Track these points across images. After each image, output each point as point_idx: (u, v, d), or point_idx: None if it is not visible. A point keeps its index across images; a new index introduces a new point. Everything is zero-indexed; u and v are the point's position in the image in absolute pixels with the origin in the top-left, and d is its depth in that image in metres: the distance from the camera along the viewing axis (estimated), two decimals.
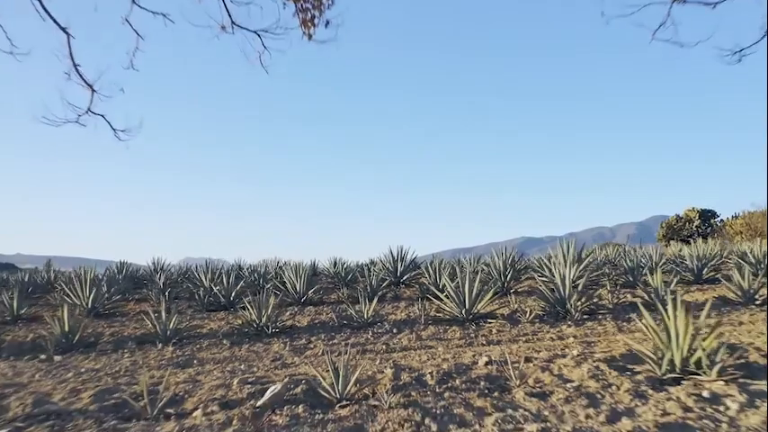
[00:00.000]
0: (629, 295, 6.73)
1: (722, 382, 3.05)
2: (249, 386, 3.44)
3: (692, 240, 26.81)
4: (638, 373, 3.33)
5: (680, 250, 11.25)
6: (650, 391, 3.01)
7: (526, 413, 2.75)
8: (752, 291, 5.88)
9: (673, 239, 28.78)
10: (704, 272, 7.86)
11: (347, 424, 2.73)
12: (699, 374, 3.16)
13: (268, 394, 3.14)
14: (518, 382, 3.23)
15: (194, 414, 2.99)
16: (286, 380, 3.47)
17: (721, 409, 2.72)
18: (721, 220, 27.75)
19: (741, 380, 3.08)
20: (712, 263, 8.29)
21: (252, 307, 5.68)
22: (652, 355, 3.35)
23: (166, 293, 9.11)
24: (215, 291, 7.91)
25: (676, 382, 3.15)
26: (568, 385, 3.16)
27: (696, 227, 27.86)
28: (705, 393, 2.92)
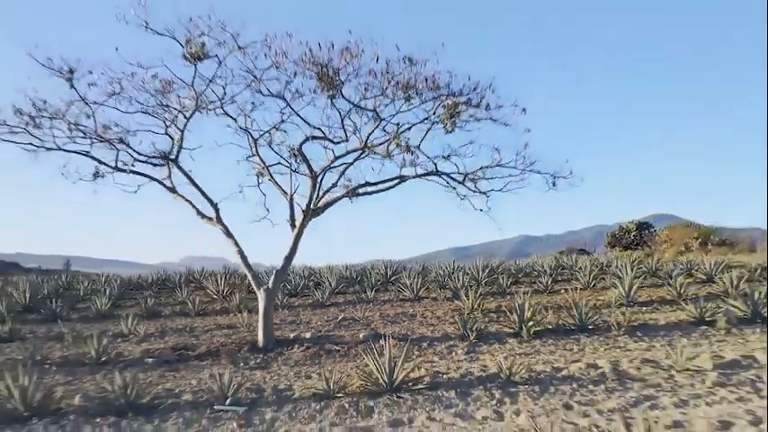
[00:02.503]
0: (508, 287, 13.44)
1: (482, 315, 9.77)
2: (331, 318, 10.22)
3: (630, 248, 33.58)
4: (457, 310, 10.05)
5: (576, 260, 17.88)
6: (455, 315, 9.72)
7: (418, 323, 9.49)
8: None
9: (615, 247, 35.62)
10: (554, 276, 14.51)
11: (365, 325, 9.46)
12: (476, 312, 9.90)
13: (339, 318, 9.89)
14: (419, 316, 9.97)
15: (318, 324, 9.72)
16: (343, 316, 10.21)
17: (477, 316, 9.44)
18: (654, 231, 34.42)
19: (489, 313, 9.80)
20: (564, 270, 14.99)
21: (317, 293, 12.40)
22: (464, 306, 10.07)
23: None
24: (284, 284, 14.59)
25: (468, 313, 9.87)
26: (435, 315, 9.91)
27: (633, 236, 34.53)
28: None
